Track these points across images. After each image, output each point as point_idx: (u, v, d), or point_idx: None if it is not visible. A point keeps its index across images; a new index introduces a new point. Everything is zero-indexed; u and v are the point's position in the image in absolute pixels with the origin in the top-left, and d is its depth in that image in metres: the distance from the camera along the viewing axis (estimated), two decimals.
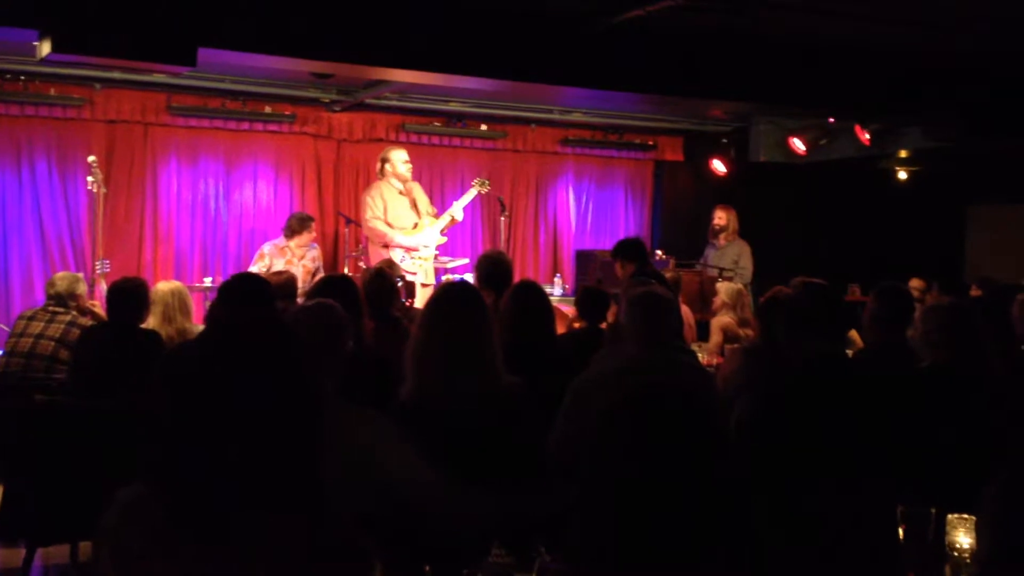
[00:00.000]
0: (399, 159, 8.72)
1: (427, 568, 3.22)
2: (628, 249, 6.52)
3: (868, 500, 2.67)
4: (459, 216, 8.85)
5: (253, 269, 8.12)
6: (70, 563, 4.76)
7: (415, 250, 8.51)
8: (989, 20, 6.75)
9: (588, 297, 5.67)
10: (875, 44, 7.52)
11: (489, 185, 9.08)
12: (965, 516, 2.70)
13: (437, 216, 8.80)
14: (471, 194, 8.94)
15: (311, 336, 2.73)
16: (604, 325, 5.41)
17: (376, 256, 8.67)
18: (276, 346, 1.76)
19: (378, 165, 8.87)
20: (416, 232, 8.63)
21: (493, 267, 5.60)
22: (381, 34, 6.54)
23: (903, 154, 10.60)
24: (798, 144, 10.29)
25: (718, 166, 11.03)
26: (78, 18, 5.50)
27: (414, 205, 8.75)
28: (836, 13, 6.62)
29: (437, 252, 8.80)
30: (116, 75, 8.39)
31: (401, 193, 8.71)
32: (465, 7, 6.59)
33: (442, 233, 8.78)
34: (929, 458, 3.25)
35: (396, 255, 8.35)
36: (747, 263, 9.34)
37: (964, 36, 7.14)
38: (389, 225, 8.55)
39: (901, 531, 2.87)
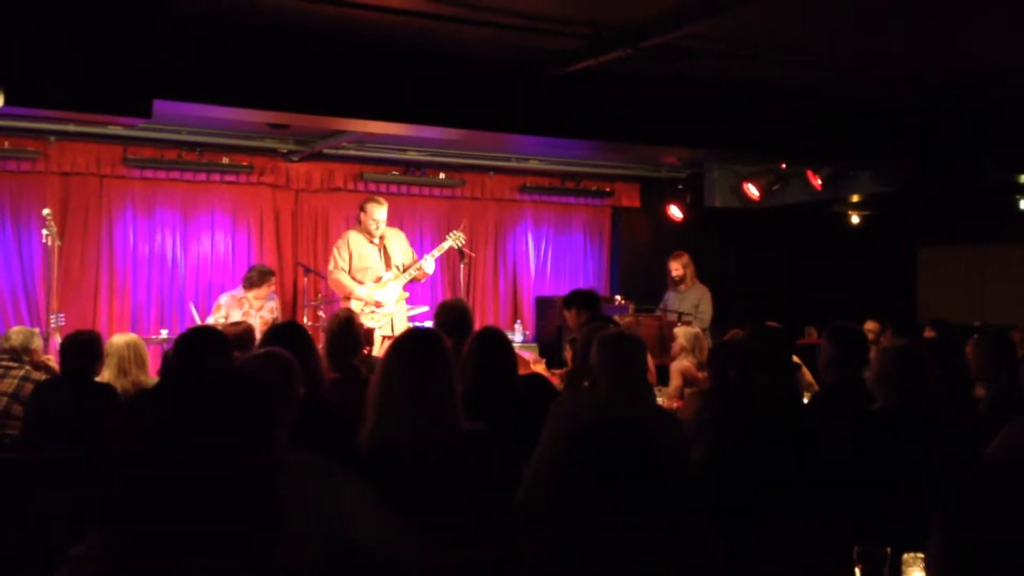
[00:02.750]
0: (371, 214, 8.38)
1: None
2: (582, 298, 6.52)
3: (823, 539, 2.69)
4: (430, 268, 8.60)
5: (210, 320, 8.05)
6: None
7: (377, 305, 8.33)
8: (933, 69, 6.93)
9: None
10: (823, 91, 7.68)
11: (464, 239, 8.81)
12: (920, 555, 2.72)
13: (409, 270, 8.55)
14: (443, 246, 8.73)
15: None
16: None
17: (338, 307, 8.52)
18: (229, 397, 1.76)
19: (358, 210, 8.66)
20: (378, 287, 8.42)
21: (451, 314, 5.63)
22: (337, 84, 6.58)
23: (855, 198, 10.76)
24: (752, 189, 10.46)
25: (675, 212, 11.15)
26: (32, 70, 5.48)
27: (385, 255, 8.55)
28: (784, 63, 6.77)
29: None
30: (71, 127, 8.37)
31: (371, 242, 8.52)
32: (420, 57, 6.65)
33: (404, 287, 8.59)
34: (883, 497, 3.27)
35: (355, 306, 8.25)
36: (707, 307, 9.40)
37: (909, 84, 7.32)
38: (353, 277, 8.41)
39: (857, 570, 2.89)
